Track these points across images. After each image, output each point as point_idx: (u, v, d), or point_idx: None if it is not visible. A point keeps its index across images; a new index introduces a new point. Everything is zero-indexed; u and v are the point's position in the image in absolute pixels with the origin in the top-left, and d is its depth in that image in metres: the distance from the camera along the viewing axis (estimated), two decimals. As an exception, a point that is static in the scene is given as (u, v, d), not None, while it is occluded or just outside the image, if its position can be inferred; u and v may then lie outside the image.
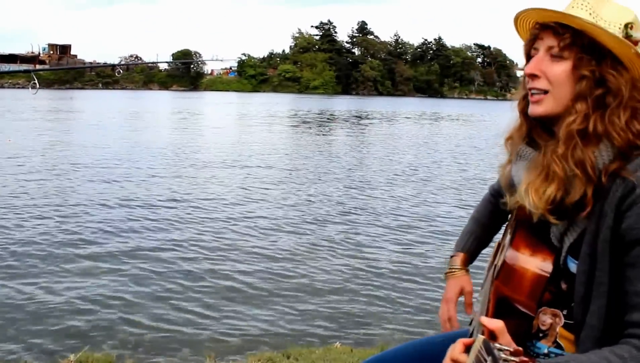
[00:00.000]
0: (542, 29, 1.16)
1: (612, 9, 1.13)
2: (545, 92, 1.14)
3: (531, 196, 1.12)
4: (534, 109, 1.17)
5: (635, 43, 1.11)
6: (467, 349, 1.00)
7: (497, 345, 0.91)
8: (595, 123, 1.08)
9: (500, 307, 1.12)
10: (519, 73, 1.34)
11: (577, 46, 1.10)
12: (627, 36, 1.11)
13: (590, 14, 1.11)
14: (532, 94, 1.17)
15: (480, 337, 0.95)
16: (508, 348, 0.89)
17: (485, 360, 0.88)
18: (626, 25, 1.11)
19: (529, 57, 1.21)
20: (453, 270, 1.58)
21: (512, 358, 0.87)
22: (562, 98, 1.13)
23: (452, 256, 1.61)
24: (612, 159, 1.08)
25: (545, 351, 1.16)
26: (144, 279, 5.95)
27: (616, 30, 1.10)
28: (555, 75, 1.12)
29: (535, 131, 1.23)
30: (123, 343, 4.44)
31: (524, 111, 1.25)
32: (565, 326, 1.14)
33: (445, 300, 1.56)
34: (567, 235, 1.14)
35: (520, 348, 0.91)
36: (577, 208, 1.10)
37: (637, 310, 1.01)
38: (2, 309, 5.05)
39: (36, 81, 3.16)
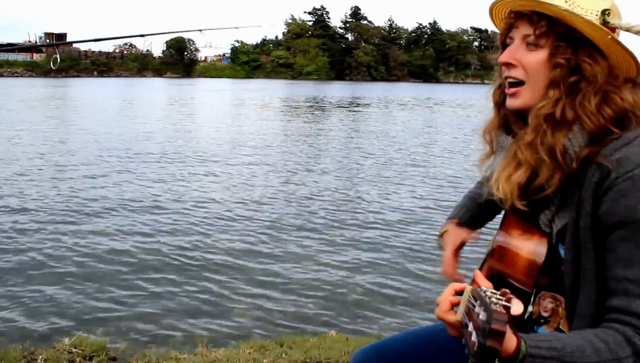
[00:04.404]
0: (517, 18, 1.13)
1: None
2: (521, 83, 1.13)
3: (501, 184, 1.12)
4: (511, 103, 1.15)
5: (613, 30, 1.08)
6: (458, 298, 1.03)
7: (483, 288, 0.92)
8: (564, 108, 1.07)
9: (494, 282, 1.08)
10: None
11: (553, 34, 1.08)
12: (604, 23, 1.08)
13: (566, 1, 1.09)
14: (509, 84, 1.15)
15: (469, 287, 0.97)
16: (495, 292, 0.90)
17: (474, 306, 0.90)
18: (603, 12, 1.09)
19: (505, 46, 1.19)
20: (447, 229, 1.47)
21: (500, 297, 0.88)
22: (539, 88, 1.11)
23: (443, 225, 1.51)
24: (583, 145, 1.06)
25: None
26: (137, 268, 5.92)
27: (593, 17, 1.08)
28: (531, 64, 1.10)
29: (512, 120, 1.20)
30: (116, 329, 4.45)
31: (498, 102, 1.24)
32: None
33: (446, 251, 1.44)
34: (555, 221, 1.12)
35: (507, 290, 0.93)
36: (542, 192, 1.09)
37: (616, 295, 1.00)
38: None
39: (57, 55, 3.30)
